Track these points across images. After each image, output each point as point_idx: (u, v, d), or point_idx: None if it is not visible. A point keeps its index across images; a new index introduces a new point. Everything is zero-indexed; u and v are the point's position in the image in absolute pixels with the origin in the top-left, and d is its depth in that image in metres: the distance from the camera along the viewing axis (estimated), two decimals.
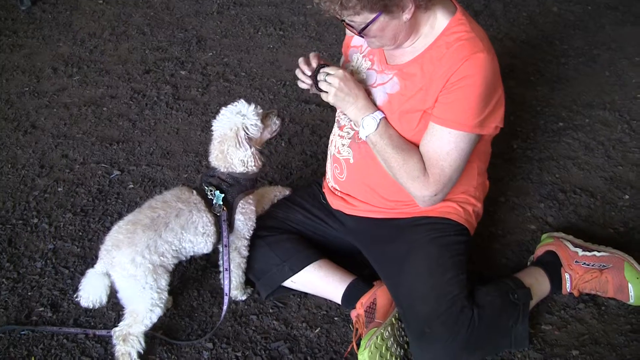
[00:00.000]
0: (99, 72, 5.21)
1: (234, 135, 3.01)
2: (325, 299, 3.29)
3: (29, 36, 5.72)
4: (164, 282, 2.94)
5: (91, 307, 2.88)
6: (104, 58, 5.42)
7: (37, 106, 4.80)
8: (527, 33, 5.68)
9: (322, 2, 2.70)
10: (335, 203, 3.29)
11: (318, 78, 2.93)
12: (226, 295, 3.11)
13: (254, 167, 3.09)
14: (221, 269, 3.15)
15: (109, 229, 3.53)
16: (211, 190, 3.07)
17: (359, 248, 3.29)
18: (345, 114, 2.99)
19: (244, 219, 3.16)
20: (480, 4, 6.12)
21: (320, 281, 3.22)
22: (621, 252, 3.29)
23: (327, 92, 2.89)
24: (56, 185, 4.04)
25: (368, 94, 2.97)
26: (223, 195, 3.07)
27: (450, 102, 2.76)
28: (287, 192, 3.51)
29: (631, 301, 3.21)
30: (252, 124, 3.03)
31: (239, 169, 3.07)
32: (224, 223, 3.08)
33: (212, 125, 3.11)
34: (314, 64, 2.95)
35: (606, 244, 3.39)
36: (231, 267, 3.16)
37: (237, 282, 3.24)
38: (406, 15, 2.73)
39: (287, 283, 3.24)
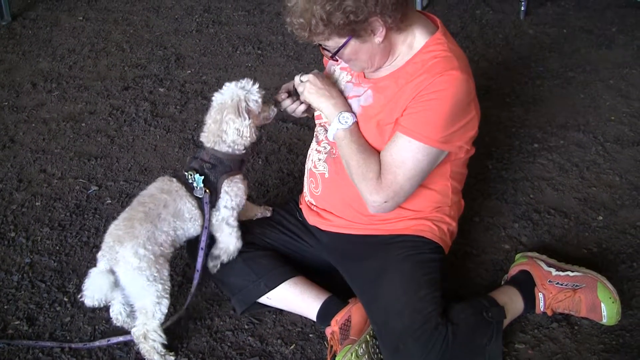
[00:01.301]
0: (78, 88, 5.22)
1: (235, 105, 3.04)
2: (301, 316, 3.30)
3: (9, 51, 5.73)
4: (165, 272, 2.99)
5: (97, 305, 2.90)
6: (83, 74, 5.43)
7: (16, 121, 4.80)
8: (503, 55, 5.73)
9: (294, 29, 2.79)
10: (311, 219, 3.31)
11: (295, 84, 3.06)
12: (197, 271, 3.15)
13: (248, 139, 3.10)
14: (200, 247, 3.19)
15: (86, 243, 3.59)
16: (191, 174, 3.09)
17: (334, 265, 3.31)
18: (321, 111, 3.05)
19: (228, 197, 3.17)
20: (457, 26, 6.17)
21: (295, 298, 3.23)
22: (594, 272, 3.31)
23: (302, 91, 2.99)
24: (34, 199, 4.04)
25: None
26: (203, 177, 3.09)
27: (416, 113, 2.81)
28: (268, 213, 3.50)
29: (604, 321, 3.23)
30: (254, 99, 3.07)
31: (231, 138, 3.08)
32: (206, 205, 3.11)
33: (212, 98, 3.15)
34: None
35: (579, 264, 3.42)
36: (222, 237, 3.21)
37: (234, 248, 3.25)
38: (378, 39, 2.78)
39: (263, 299, 3.25)
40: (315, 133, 3.30)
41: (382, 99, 2.93)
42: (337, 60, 2.97)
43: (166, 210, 3.01)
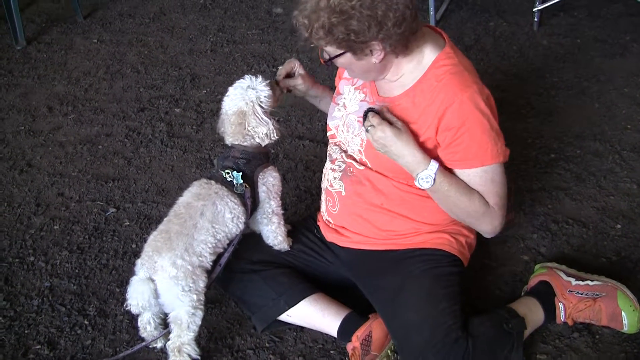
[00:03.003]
0: (94, 111, 5.24)
1: (252, 113, 3.06)
2: (322, 333, 3.30)
3: (24, 75, 5.76)
4: (202, 283, 2.99)
5: (142, 312, 3.00)
6: (98, 96, 5.44)
7: (33, 145, 4.82)
8: (517, 66, 5.72)
9: (298, 25, 2.80)
10: (329, 236, 3.32)
11: (365, 125, 2.91)
12: (219, 265, 3.13)
13: (277, 136, 3.14)
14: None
15: (105, 266, 3.61)
16: (228, 173, 3.11)
17: (353, 280, 3.31)
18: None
19: (266, 189, 3.20)
20: (471, 39, 6.17)
21: (315, 315, 3.23)
22: (614, 281, 3.31)
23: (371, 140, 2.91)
24: (52, 223, 4.06)
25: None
26: (242, 173, 3.11)
27: (466, 146, 2.86)
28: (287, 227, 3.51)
29: (625, 329, 3.22)
30: (265, 96, 3.09)
31: (264, 142, 3.14)
32: (248, 200, 3.13)
33: (222, 104, 3.16)
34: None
35: (599, 273, 3.41)
36: (272, 228, 3.30)
37: (282, 237, 3.33)
38: (375, 60, 2.80)
39: (283, 317, 3.25)
40: (328, 152, 3.31)
41: (400, 119, 2.92)
42: (328, 65, 2.97)
43: (203, 218, 3.01)
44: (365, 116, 2.91)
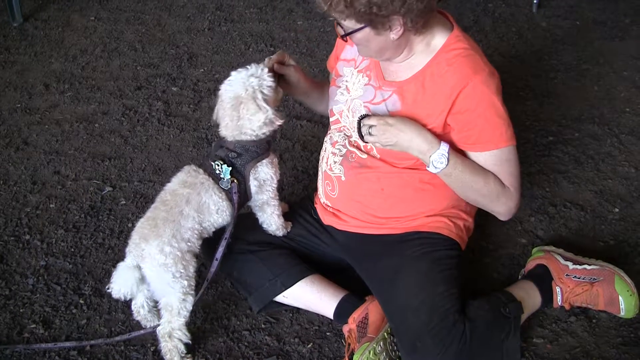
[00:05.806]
0: (90, 89, 5.21)
1: (251, 98, 2.94)
2: (318, 314, 3.29)
3: (21, 53, 5.72)
4: (192, 268, 2.98)
5: (122, 299, 2.95)
6: (95, 74, 5.41)
7: (29, 123, 4.80)
8: (516, 48, 5.71)
9: None
10: (326, 219, 3.30)
11: (362, 132, 2.90)
12: (216, 260, 3.11)
13: (277, 125, 3.03)
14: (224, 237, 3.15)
15: (101, 245, 3.59)
16: (218, 165, 3.04)
17: (350, 263, 3.30)
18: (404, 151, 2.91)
19: (257, 183, 3.13)
20: (470, 20, 6.15)
21: (312, 296, 3.22)
22: (611, 265, 3.31)
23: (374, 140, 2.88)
24: (48, 201, 4.04)
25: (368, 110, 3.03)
26: (231, 168, 3.04)
27: (480, 129, 2.86)
28: (285, 208, 3.49)
29: (622, 314, 3.22)
30: (268, 85, 2.98)
31: (260, 131, 3.01)
32: (235, 195, 3.07)
33: (219, 90, 3.07)
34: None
35: (596, 257, 3.41)
36: (265, 216, 3.26)
37: (276, 224, 3.29)
38: (393, 36, 2.75)
39: (279, 298, 3.24)
40: (329, 134, 3.28)
41: (409, 104, 2.91)
42: (345, 41, 2.94)
43: (189, 206, 2.97)
44: (359, 125, 2.90)
